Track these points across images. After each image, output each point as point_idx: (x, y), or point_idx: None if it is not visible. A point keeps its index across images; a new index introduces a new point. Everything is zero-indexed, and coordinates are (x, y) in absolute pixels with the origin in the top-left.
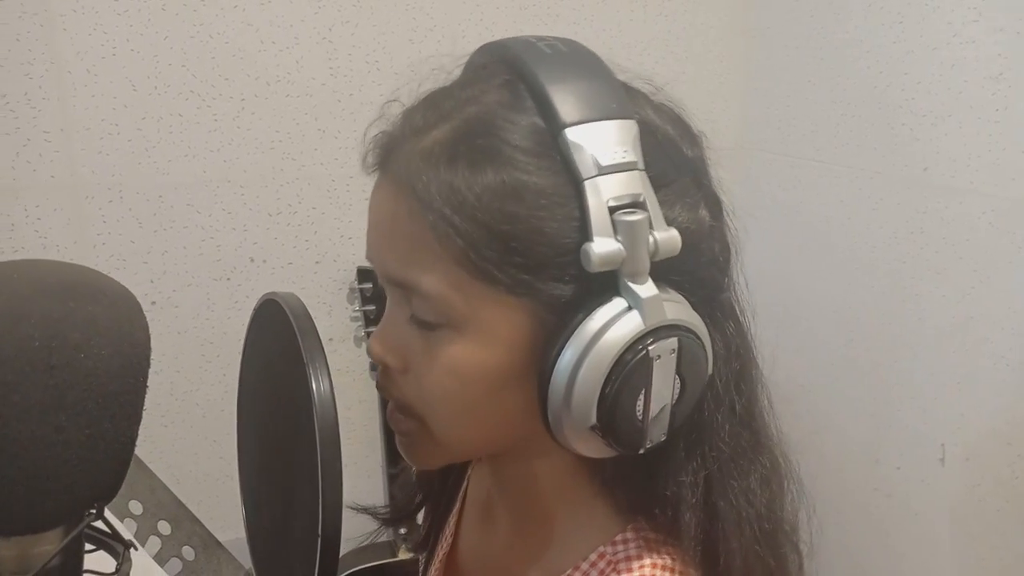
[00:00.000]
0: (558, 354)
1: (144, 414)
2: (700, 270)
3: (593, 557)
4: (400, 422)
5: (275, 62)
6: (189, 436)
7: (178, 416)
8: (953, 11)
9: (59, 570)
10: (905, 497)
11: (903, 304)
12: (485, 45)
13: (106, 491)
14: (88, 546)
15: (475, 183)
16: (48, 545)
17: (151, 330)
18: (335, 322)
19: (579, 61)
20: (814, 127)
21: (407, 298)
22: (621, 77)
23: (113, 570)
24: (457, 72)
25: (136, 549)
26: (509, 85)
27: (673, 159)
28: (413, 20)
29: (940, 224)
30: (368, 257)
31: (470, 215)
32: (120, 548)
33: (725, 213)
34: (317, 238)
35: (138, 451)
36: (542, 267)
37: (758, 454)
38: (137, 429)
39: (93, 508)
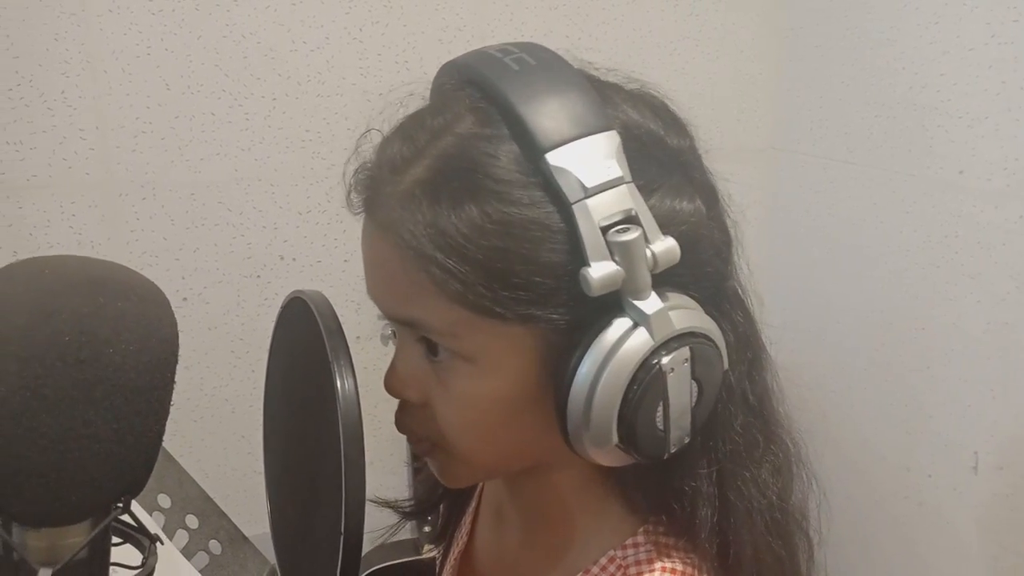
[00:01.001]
0: (570, 381)
1: (174, 409)
2: (703, 264)
3: (603, 561)
4: (425, 450)
5: (306, 62)
6: (218, 431)
7: (207, 411)
8: (991, 11)
9: (86, 562)
10: (936, 505)
11: (936, 309)
12: (449, 64)
13: (133, 485)
14: (115, 539)
15: (461, 223)
16: (76, 537)
17: (182, 326)
18: (363, 320)
19: (548, 74)
20: (847, 128)
21: (415, 334)
22: (593, 72)
23: (139, 563)
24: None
25: (162, 543)
26: (480, 111)
27: (660, 159)
28: (443, 20)
29: (975, 228)
30: (370, 296)
31: (462, 256)
32: (146, 542)
33: (721, 199)
34: (346, 236)
35: (167, 445)
36: (543, 297)
37: (770, 442)
38: (164, 424)
39: (120, 502)
